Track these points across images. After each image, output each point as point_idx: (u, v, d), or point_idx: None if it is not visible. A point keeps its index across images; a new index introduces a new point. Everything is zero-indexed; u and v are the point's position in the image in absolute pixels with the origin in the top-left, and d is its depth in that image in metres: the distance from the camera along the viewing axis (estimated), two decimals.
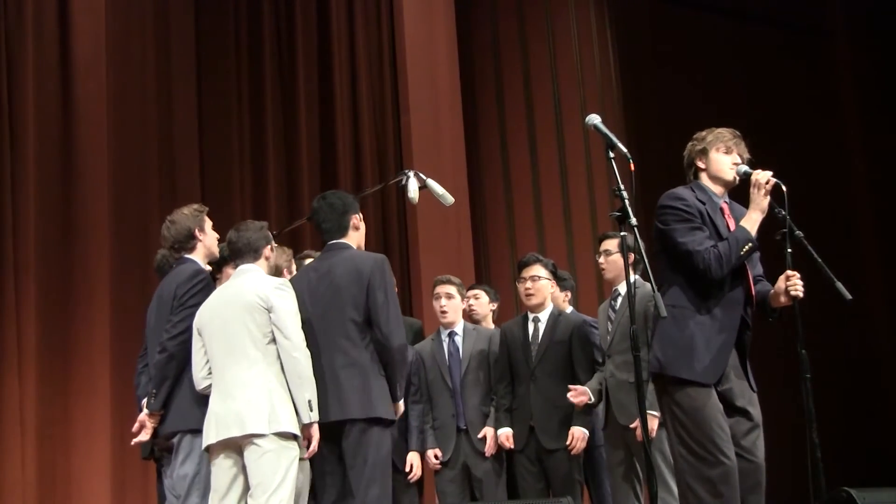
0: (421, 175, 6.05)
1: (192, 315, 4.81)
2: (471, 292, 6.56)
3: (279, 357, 4.60)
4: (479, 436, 5.93)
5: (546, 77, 9.98)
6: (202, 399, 4.73)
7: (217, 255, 5.22)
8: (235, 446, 4.55)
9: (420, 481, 5.96)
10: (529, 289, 6.06)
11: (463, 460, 5.98)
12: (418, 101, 9.28)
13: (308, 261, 5.49)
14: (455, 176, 8.86)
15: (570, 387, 5.73)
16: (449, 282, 6.25)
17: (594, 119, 4.33)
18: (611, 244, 5.83)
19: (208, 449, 4.62)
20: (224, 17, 8.97)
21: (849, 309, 4.75)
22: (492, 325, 6.46)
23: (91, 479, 7.50)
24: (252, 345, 4.59)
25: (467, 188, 9.22)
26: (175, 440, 4.83)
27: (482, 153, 10.01)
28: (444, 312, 6.17)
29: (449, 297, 6.19)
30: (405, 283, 8.88)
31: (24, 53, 7.86)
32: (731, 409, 4.33)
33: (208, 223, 5.16)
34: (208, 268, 5.28)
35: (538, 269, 6.08)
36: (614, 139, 4.21)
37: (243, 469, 4.55)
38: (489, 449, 5.91)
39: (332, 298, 4.75)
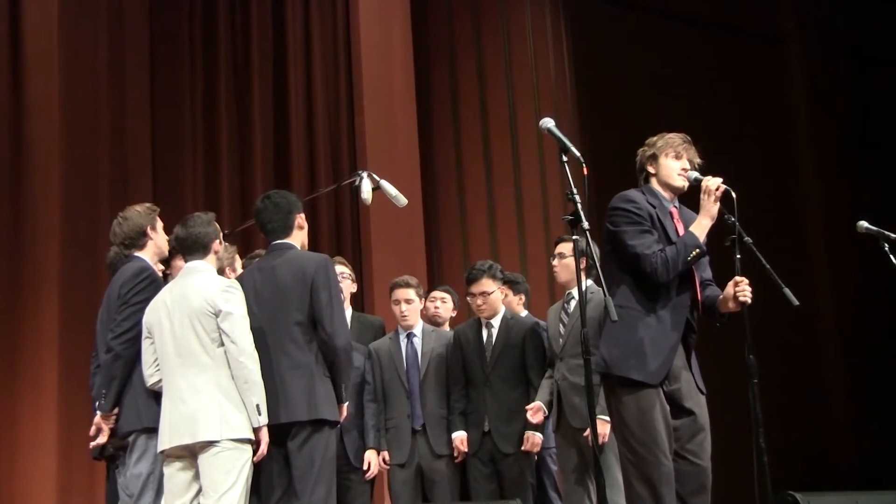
0: (374, 176, 6.04)
1: (137, 313, 4.79)
2: (437, 294, 6.50)
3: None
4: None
5: (501, 79, 10.01)
6: (156, 397, 4.72)
7: (167, 254, 5.19)
8: (189, 450, 4.52)
9: (372, 481, 5.93)
10: (481, 305, 6.06)
11: (417, 461, 5.96)
12: (372, 102, 9.28)
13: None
14: (408, 177, 8.85)
15: (528, 408, 5.72)
16: (407, 285, 6.19)
17: (548, 123, 4.34)
18: (565, 247, 5.83)
19: (163, 452, 4.60)
20: (178, 16, 8.89)
21: (796, 313, 4.81)
22: (447, 329, 6.43)
23: (36, 480, 7.39)
24: (202, 350, 4.56)
25: (420, 189, 9.22)
26: (130, 439, 4.80)
27: (436, 155, 10.01)
28: (404, 317, 6.12)
29: (409, 301, 6.13)
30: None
31: None
32: (679, 410, 4.38)
33: (160, 223, 5.14)
34: (160, 266, 5.25)
35: (487, 285, 6.06)
36: (568, 143, 4.22)
37: (197, 472, 4.53)
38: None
39: (278, 300, 4.74)
